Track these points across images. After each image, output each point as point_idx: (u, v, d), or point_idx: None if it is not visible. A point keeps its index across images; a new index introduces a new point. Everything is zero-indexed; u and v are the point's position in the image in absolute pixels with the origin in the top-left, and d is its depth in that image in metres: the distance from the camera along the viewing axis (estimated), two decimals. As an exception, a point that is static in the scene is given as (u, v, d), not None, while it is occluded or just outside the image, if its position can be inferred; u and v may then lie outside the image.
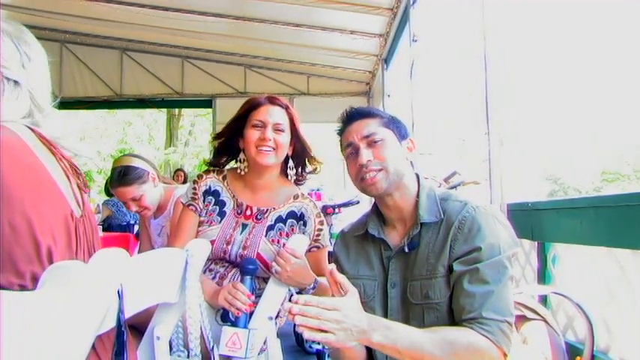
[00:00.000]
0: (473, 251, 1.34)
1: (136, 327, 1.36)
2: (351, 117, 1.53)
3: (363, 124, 1.50)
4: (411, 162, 1.53)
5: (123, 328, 0.88)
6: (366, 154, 1.46)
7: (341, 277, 1.26)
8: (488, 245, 1.34)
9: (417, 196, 1.48)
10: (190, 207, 1.92)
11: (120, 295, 0.88)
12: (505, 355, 1.30)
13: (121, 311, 0.88)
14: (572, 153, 19.75)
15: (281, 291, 1.71)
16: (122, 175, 2.50)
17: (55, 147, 1.19)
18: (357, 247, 1.57)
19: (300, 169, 2.01)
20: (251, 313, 1.69)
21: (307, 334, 1.17)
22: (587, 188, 18.66)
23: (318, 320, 1.17)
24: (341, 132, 1.56)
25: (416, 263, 1.42)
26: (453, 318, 1.37)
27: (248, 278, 1.72)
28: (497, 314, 1.30)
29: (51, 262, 0.98)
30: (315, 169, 2.02)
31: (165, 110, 15.29)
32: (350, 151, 1.51)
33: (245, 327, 1.62)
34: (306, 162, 2.01)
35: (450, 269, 1.37)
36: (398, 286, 1.46)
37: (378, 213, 1.56)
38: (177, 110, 15.39)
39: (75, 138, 1.28)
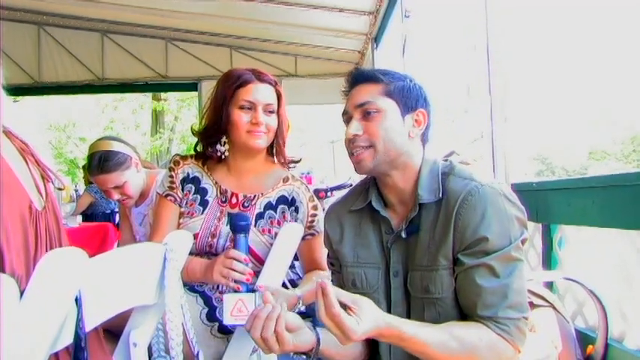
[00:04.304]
0: (480, 241, 1.18)
1: (112, 330, 1.22)
2: (354, 80, 1.34)
3: (363, 90, 1.31)
4: (423, 136, 1.34)
5: (83, 344, 0.74)
6: (354, 127, 1.28)
7: (346, 297, 1.08)
8: (497, 234, 1.18)
9: (419, 173, 1.30)
10: (169, 197, 1.74)
11: (79, 303, 0.73)
12: (519, 352, 1.19)
13: (80, 321, 0.73)
14: (561, 132, 19.83)
15: (274, 282, 1.57)
16: (102, 162, 2.33)
17: (13, 135, 1.06)
18: (353, 225, 1.39)
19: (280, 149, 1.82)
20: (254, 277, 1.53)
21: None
22: (575, 167, 18.78)
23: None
24: (346, 94, 1.36)
25: (416, 251, 1.27)
26: (457, 313, 1.23)
27: (241, 237, 1.52)
28: (514, 312, 1.17)
29: (1, 261, 0.84)
30: (299, 160, 1.86)
31: (150, 95, 15.02)
32: (344, 120, 1.34)
33: (249, 291, 1.46)
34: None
35: (454, 260, 1.22)
36: (400, 275, 1.30)
37: (377, 187, 1.38)
38: (162, 94, 15.11)
39: (29, 128, 1.14)
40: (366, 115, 1.28)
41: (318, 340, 1.18)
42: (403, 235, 1.28)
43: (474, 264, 1.19)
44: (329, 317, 1.03)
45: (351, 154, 1.31)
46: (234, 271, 1.48)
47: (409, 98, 1.31)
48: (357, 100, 1.30)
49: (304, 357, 1.22)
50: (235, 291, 1.47)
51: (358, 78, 1.34)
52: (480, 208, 1.20)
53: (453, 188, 1.24)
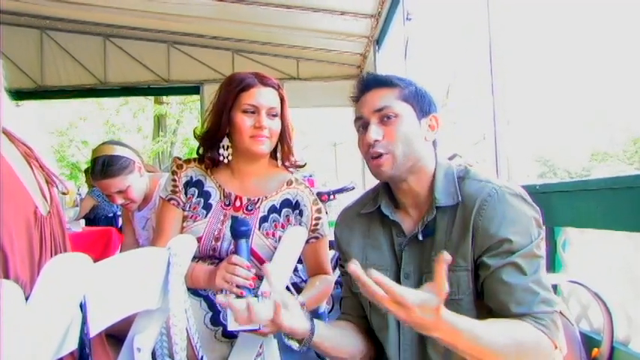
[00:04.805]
0: (503, 242, 1.18)
1: (115, 335, 1.21)
2: (367, 85, 1.33)
3: (378, 95, 1.29)
4: (434, 141, 1.34)
5: (87, 349, 0.73)
6: (374, 132, 1.26)
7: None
8: (519, 234, 1.19)
9: (434, 176, 1.30)
10: (172, 201, 1.73)
11: (83, 309, 0.73)
12: (557, 347, 1.17)
13: (84, 324, 0.73)
14: (563, 135, 19.79)
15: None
16: (106, 166, 2.33)
17: (17, 140, 1.06)
18: (364, 227, 1.39)
19: (286, 152, 1.80)
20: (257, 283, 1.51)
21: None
22: (577, 169, 18.73)
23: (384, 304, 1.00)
24: (356, 99, 1.35)
25: (432, 253, 1.25)
26: (473, 315, 1.22)
27: (243, 242, 1.49)
28: (547, 306, 1.17)
29: (5, 266, 0.84)
30: (304, 164, 1.85)
31: (152, 98, 15.02)
32: (359, 126, 1.33)
33: (252, 295, 1.43)
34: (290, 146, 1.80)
35: (474, 262, 1.21)
36: (412, 277, 1.29)
37: (389, 191, 1.37)
38: (164, 98, 15.12)
39: (33, 130, 1.14)
40: (385, 120, 1.28)
41: (312, 331, 1.20)
42: (420, 237, 1.28)
43: (500, 265, 1.18)
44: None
45: (370, 160, 1.30)
46: (237, 276, 1.47)
47: (423, 103, 1.31)
48: (373, 104, 1.29)
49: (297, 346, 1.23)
50: (238, 296, 1.45)
51: (371, 82, 1.33)
52: (499, 209, 1.20)
53: (470, 191, 1.25)
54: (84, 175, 6.84)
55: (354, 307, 1.43)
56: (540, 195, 2.15)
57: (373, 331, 1.37)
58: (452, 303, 1.21)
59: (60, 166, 17.00)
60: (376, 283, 0.98)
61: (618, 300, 1.75)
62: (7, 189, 0.94)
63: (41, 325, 0.67)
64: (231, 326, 1.38)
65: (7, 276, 0.83)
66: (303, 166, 1.83)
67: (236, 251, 1.51)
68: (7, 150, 1.02)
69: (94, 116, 18.10)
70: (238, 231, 1.49)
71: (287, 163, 1.81)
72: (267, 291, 1.28)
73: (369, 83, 1.33)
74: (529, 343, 1.13)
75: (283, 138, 1.75)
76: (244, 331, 1.42)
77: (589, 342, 1.77)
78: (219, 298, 1.20)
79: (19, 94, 6.16)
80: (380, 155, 1.27)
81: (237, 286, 1.46)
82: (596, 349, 1.74)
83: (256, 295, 1.45)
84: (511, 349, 1.10)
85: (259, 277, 1.62)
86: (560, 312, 1.69)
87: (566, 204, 2.00)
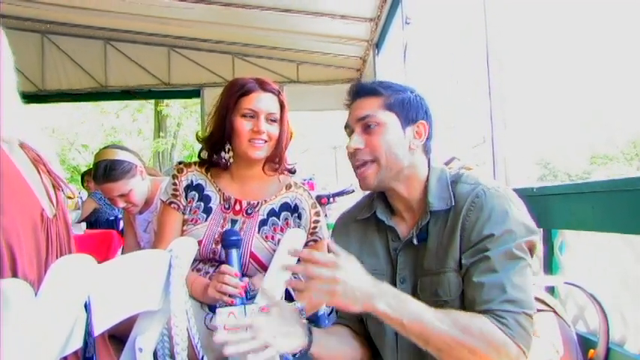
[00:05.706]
0: (484, 239, 1.19)
1: (117, 336, 1.23)
2: (354, 94, 1.36)
3: (362, 104, 1.32)
4: (426, 148, 1.36)
5: (91, 348, 0.75)
6: (355, 141, 1.29)
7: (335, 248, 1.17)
8: (501, 232, 1.19)
9: (427, 181, 1.32)
10: (172, 205, 1.75)
11: (88, 309, 0.75)
12: (525, 353, 1.14)
13: (89, 325, 0.75)
14: (562, 137, 19.79)
15: (277, 289, 1.58)
16: (108, 170, 2.36)
17: (26, 146, 1.09)
18: (360, 233, 1.41)
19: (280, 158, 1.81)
20: (246, 292, 1.54)
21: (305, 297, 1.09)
22: (577, 172, 18.73)
23: (317, 281, 1.09)
24: (348, 107, 1.38)
25: (425, 256, 1.27)
26: None
27: (233, 252, 1.55)
28: (512, 306, 1.14)
29: (14, 265, 0.87)
30: (294, 171, 1.86)
31: (152, 101, 15.06)
32: (347, 134, 1.35)
33: (243, 304, 1.48)
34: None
35: (461, 263, 1.22)
36: (408, 281, 1.31)
37: (384, 196, 1.39)
38: (164, 101, 15.15)
39: (40, 136, 1.17)
40: (367, 129, 1.30)
41: (309, 345, 1.20)
42: (415, 242, 1.29)
43: (474, 260, 1.20)
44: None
45: (355, 168, 1.32)
46: (228, 285, 1.50)
47: (409, 111, 1.32)
48: (357, 113, 1.31)
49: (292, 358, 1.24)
50: (229, 305, 1.49)
51: (359, 91, 1.35)
52: (486, 209, 1.21)
53: (461, 193, 1.27)
54: (81, 178, 6.82)
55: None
56: (537, 197, 2.17)
57: (369, 335, 1.39)
58: (443, 305, 1.23)
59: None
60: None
61: (614, 302, 1.76)
62: (15, 191, 0.97)
63: (48, 323, 0.69)
64: (219, 338, 1.41)
65: (15, 275, 0.85)
66: (294, 172, 1.85)
67: (227, 261, 1.55)
68: (16, 155, 1.04)
69: (94, 119, 18.12)
70: (228, 241, 1.55)
71: (269, 166, 1.79)
72: (265, 307, 1.32)
73: (357, 92, 1.35)
74: (475, 330, 1.11)
75: (279, 144, 1.76)
76: None
77: (585, 343, 1.79)
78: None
79: (20, 98, 6.16)
80: (364, 164, 1.29)
81: (230, 296, 1.49)
82: (592, 350, 1.75)
83: (250, 298, 1.49)
84: (455, 333, 1.10)
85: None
86: (557, 314, 1.71)
87: (562, 206, 2.01)
